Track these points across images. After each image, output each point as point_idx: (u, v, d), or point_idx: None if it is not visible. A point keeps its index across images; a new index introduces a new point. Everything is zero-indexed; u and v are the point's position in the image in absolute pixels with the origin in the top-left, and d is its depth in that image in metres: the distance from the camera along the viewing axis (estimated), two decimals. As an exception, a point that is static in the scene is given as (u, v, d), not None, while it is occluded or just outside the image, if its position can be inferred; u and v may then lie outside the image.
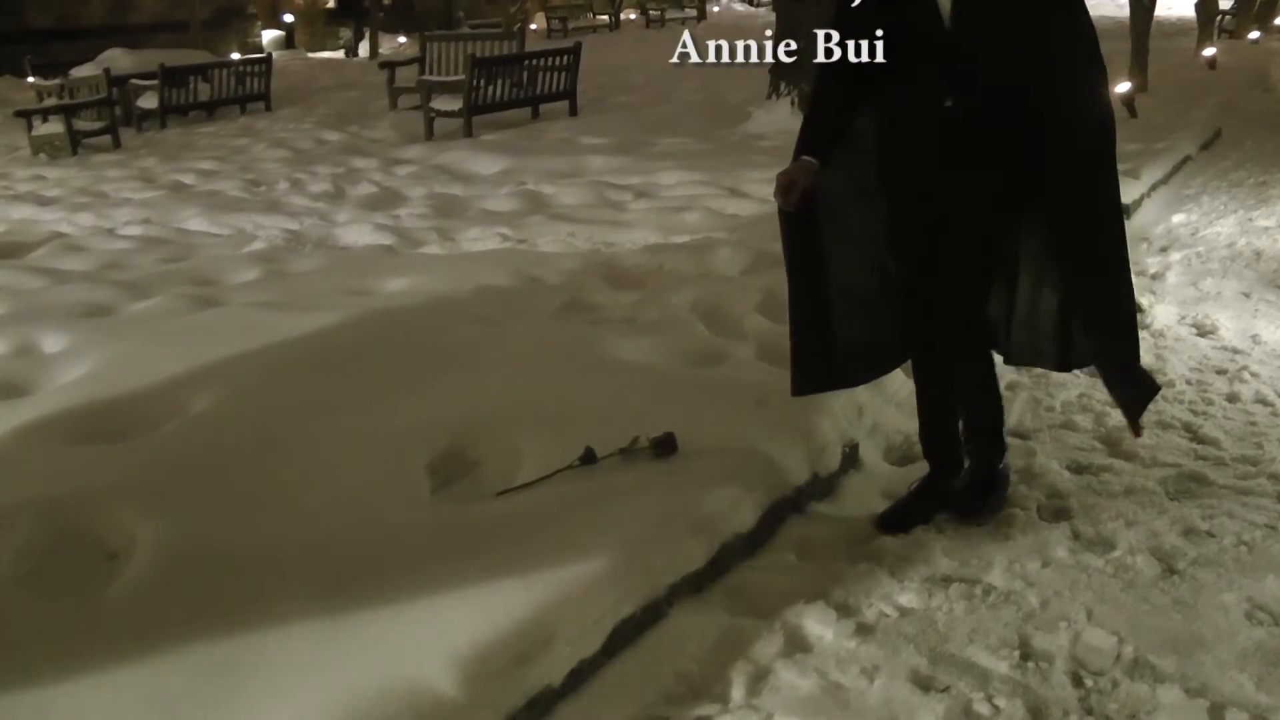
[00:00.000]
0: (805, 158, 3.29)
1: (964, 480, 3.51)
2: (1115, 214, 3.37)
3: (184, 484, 3.43)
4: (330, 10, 29.45)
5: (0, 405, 4.28)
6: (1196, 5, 17.93)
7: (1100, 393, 4.41)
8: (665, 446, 3.48)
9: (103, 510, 3.33)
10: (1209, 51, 15.82)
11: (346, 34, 28.89)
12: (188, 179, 10.83)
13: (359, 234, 7.75)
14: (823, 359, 3.42)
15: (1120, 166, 8.63)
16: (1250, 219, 7.39)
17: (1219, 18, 18.94)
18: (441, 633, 2.57)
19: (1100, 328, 3.23)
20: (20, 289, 6.39)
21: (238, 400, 4.11)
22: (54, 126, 13.44)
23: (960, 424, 3.49)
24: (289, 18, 28.41)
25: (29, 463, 3.69)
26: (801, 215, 3.31)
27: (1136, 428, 3.33)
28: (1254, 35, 19.94)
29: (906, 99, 3.21)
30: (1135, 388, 3.30)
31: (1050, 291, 3.32)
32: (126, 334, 5.09)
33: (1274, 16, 22.46)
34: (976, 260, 3.24)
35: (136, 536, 3.17)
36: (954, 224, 3.21)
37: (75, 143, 13.28)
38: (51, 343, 5.12)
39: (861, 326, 3.44)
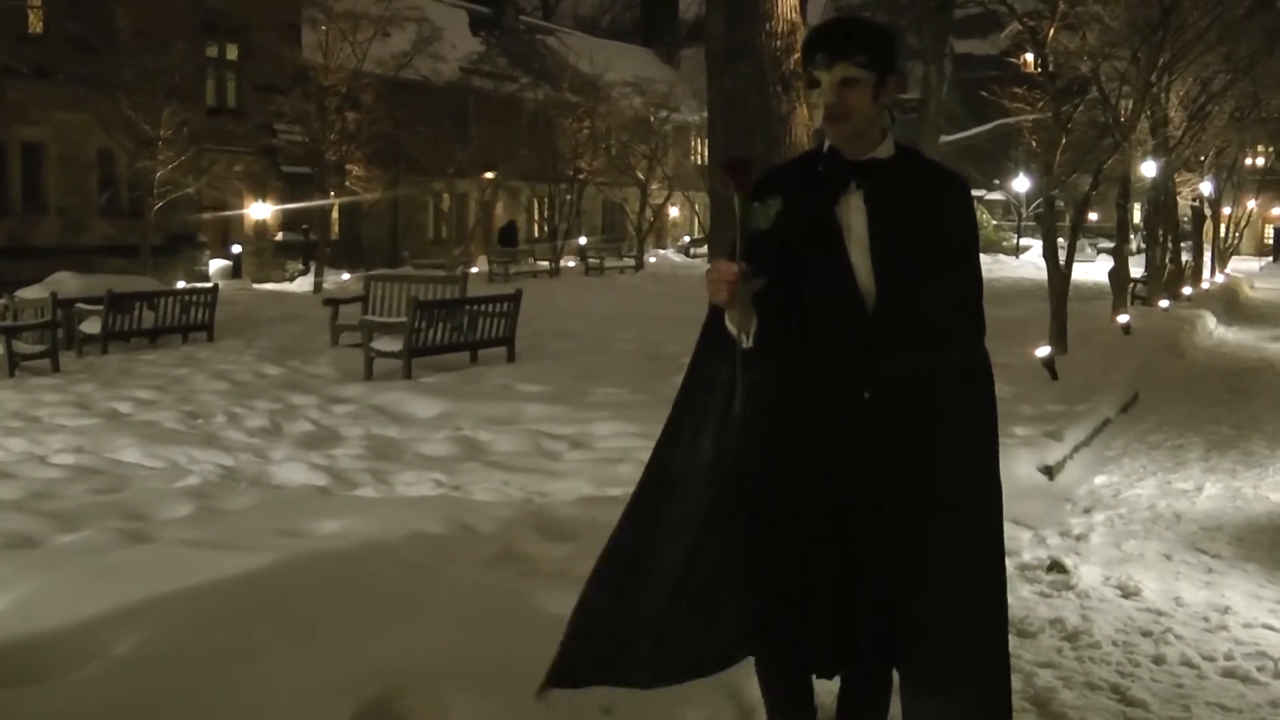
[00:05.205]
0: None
1: None
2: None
3: (99, 733, 3.32)
4: (279, 242, 30.11)
5: (-90, 641, 4.14)
6: (1110, 272, 18.94)
7: (1027, 652, 4.45)
8: None
9: (9, 760, 3.21)
10: (1123, 318, 16.63)
11: (293, 266, 29.49)
12: (125, 407, 10.80)
13: (294, 472, 7.74)
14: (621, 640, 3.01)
15: (1044, 428, 8.79)
16: (1169, 481, 7.64)
17: (1131, 285, 20.01)
18: None
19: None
20: (-58, 517, 6.26)
21: (162, 643, 4.01)
22: (-7, 348, 13.43)
23: None
24: (237, 248, 28.98)
25: (-66, 706, 3.55)
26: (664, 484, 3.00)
27: None
28: (1164, 303, 21.01)
29: (816, 376, 2.80)
30: None
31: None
32: (51, 568, 4.98)
33: (1182, 286, 23.84)
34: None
35: (42, 790, 3.05)
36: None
37: (13, 365, 13.26)
38: (-30, 575, 4.99)
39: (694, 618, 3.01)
